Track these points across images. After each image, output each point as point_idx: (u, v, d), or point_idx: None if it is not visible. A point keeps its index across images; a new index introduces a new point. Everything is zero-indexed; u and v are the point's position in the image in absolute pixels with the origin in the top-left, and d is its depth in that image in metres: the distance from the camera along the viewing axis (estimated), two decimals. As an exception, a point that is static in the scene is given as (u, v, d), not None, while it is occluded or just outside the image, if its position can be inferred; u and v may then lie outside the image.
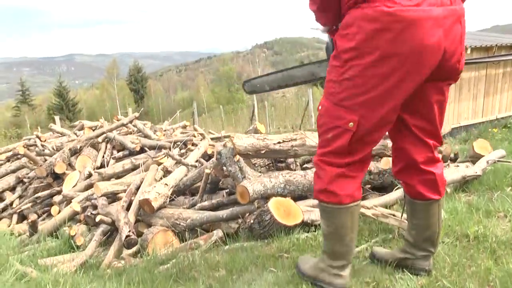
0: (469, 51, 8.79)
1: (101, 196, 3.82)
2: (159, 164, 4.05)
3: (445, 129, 9.38)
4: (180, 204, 3.53)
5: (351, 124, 1.48)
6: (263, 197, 2.66)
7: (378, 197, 2.80)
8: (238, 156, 2.73)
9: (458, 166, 3.17)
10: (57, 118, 14.73)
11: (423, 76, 1.43)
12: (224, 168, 2.92)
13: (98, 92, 61.37)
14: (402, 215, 2.19)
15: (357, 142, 1.52)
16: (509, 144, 6.67)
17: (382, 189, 3.06)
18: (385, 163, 2.98)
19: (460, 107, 9.09)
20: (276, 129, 23.47)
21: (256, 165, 3.38)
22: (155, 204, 3.11)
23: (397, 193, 2.76)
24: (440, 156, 1.75)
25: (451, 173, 2.98)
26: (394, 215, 2.37)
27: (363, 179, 2.35)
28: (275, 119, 25.97)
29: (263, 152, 2.88)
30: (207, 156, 4.79)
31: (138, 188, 3.78)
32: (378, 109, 1.46)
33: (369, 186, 3.07)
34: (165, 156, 4.09)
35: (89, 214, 3.51)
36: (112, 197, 3.98)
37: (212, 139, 6.84)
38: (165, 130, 6.39)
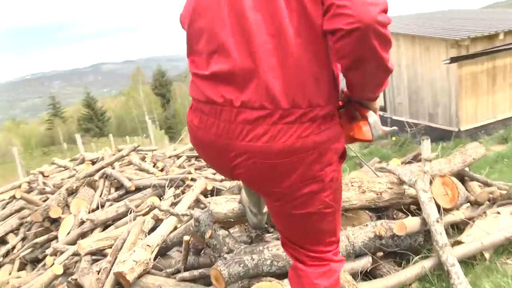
0: (502, 36, 7.98)
1: (85, 255, 3.47)
2: (148, 213, 3.63)
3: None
4: (166, 266, 3.10)
5: None
6: (244, 278, 2.17)
7: (393, 271, 2.21)
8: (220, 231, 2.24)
9: (499, 213, 2.51)
10: (78, 136, 14.62)
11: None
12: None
13: (124, 99, 62.41)
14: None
15: None
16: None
17: (399, 253, 2.41)
18: (400, 228, 2.22)
19: (495, 99, 8.20)
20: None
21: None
22: (131, 277, 2.68)
23: (416, 268, 2.16)
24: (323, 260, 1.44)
25: (490, 230, 2.31)
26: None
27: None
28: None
29: (246, 217, 2.38)
30: (209, 193, 4.34)
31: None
32: None
33: (382, 253, 2.35)
34: (149, 209, 3.65)
35: (67, 282, 3.14)
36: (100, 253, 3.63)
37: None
38: (169, 157, 5.97)
